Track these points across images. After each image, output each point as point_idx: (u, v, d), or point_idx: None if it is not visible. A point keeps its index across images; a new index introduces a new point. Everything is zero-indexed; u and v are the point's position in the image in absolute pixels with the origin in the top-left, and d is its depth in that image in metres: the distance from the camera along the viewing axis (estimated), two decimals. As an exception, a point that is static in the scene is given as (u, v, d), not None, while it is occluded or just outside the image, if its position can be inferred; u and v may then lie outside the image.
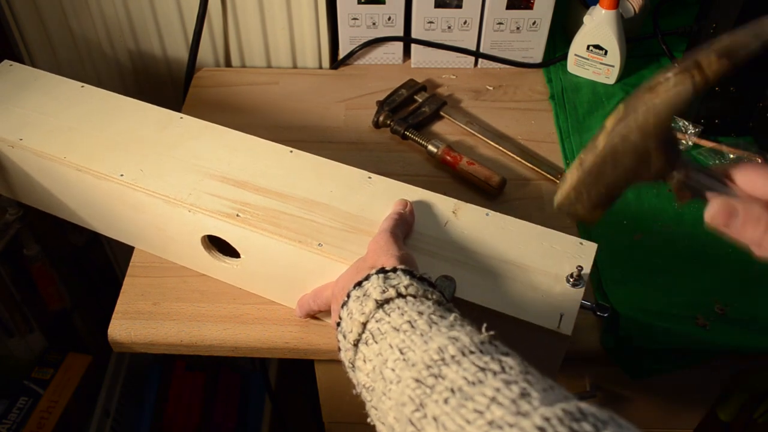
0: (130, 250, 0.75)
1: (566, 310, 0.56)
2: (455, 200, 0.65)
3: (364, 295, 0.47)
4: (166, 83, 1.02)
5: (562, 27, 1.04)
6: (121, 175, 0.66)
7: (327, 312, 0.63)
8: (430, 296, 0.47)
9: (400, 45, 0.98)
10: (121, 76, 1.02)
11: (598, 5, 0.90)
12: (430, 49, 0.97)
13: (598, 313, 0.61)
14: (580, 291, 0.57)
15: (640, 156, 0.43)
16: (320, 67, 1.00)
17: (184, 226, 0.66)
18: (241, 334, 0.67)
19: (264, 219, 0.63)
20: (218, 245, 0.68)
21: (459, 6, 0.92)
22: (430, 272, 0.54)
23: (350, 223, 0.62)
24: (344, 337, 0.47)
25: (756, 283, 0.72)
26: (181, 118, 0.73)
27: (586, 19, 0.92)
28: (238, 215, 0.63)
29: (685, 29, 0.95)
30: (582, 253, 0.60)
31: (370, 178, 0.67)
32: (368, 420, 0.46)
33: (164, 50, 0.99)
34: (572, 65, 0.97)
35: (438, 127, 0.90)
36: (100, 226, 0.76)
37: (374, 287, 0.46)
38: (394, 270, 0.48)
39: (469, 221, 0.63)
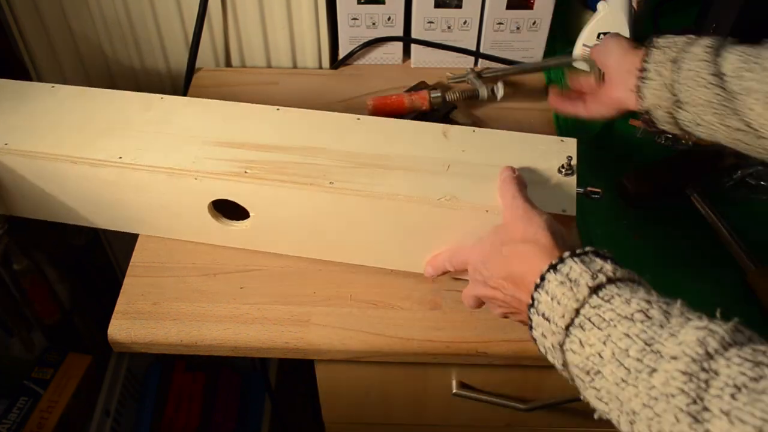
0: (130, 250, 0.75)
1: (565, 196, 0.63)
2: (443, 125, 0.71)
3: (569, 280, 0.48)
4: (166, 83, 1.02)
5: (562, 27, 1.04)
6: (120, 158, 0.67)
7: (461, 272, 0.67)
8: (635, 278, 0.49)
9: (399, 45, 0.98)
10: (122, 75, 1.02)
11: None
12: (430, 49, 0.97)
13: (593, 196, 0.66)
14: (573, 178, 0.64)
15: None
16: (320, 67, 1.00)
17: (190, 196, 0.68)
18: (241, 334, 0.67)
19: (272, 171, 0.65)
20: (222, 214, 0.71)
21: (459, 6, 0.92)
22: (436, 188, 0.63)
23: (354, 160, 0.66)
24: (548, 320, 0.48)
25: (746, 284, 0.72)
26: (162, 98, 0.74)
27: (600, 5, 0.92)
28: (246, 172, 0.65)
29: (685, 29, 0.95)
30: (565, 148, 0.67)
31: (358, 119, 0.71)
32: (581, 397, 0.48)
33: (164, 50, 0.99)
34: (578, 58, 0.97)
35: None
36: (98, 219, 0.76)
37: (580, 274, 0.48)
38: (585, 253, 0.50)
39: (460, 139, 0.69)
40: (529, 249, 0.52)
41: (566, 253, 0.50)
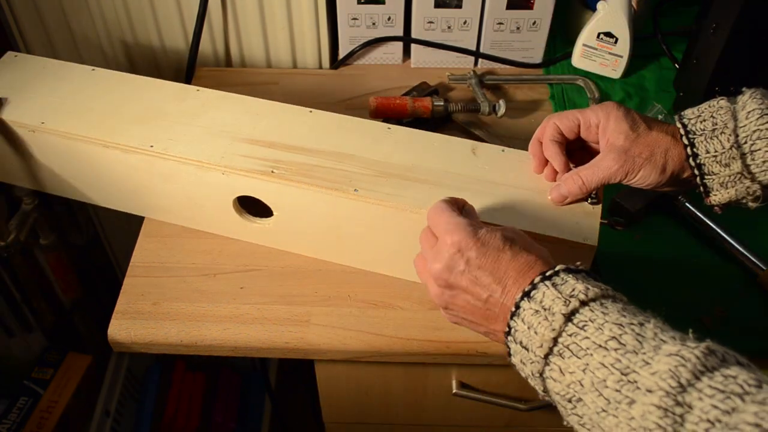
0: (130, 250, 0.75)
1: (588, 225, 0.62)
2: (472, 141, 0.70)
3: (543, 309, 0.47)
4: (166, 83, 1.02)
5: (562, 27, 1.04)
6: (152, 146, 0.68)
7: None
8: (607, 294, 0.48)
9: (399, 45, 0.98)
10: (121, 76, 1.02)
11: None
12: (430, 49, 0.97)
13: (617, 227, 0.67)
14: (598, 208, 0.63)
15: None
16: (320, 67, 1.00)
17: (216, 190, 0.69)
18: (241, 334, 0.67)
19: (298, 172, 0.66)
20: (246, 209, 0.71)
21: (459, 6, 0.92)
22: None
23: (381, 169, 0.66)
24: (526, 348, 0.48)
25: (757, 285, 0.72)
26: (198, 90, 0.75)
27: (600, 5, 0.92)
28: (273, 171, 0.65)
29: (685, 29, 0.95)
30: None
31: (389, 129, 0.71)
32: (564, 423, 0.48)
33: (164, 50, 0.99)
34: (578, 57, 0.97)
35: (446, 130, 0.90)
36: (124, 204, 0.77)
37: (552, 300, 0.47)
38: (556, 273, 0.49)
39: (488, 157, 0.68)
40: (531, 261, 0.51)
41: (537, 278, 0.49)
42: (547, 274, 0.49)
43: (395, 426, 0.89)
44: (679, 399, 0.40)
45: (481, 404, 0.78)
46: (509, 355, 0.51)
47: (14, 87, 0.75)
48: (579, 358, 0.45)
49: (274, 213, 0.70)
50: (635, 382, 0.42)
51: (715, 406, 0.39)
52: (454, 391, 0.77)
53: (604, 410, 0.43)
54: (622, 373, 0.43)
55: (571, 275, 0.49)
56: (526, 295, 0.48)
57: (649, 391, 0.41)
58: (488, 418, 0.84)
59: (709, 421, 0.38)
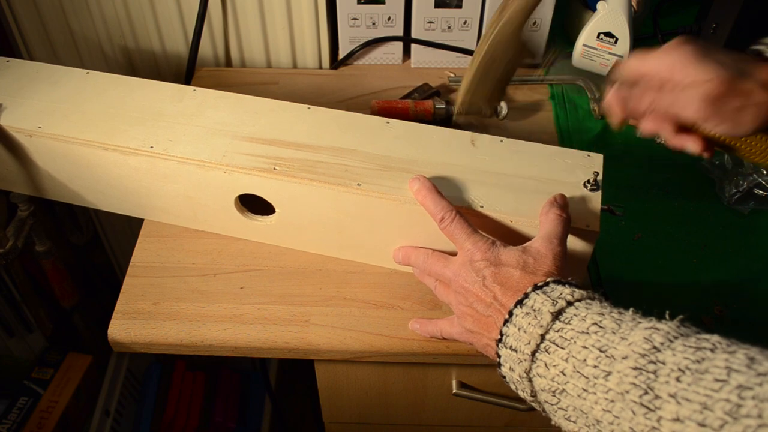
0: (130, 250, 0.75)
1: (589, 211, 0.62)
2: (471, 132, 0.70)
3: (533, 310, 0.50)
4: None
5: (562, 27, 1.04)
6: (151, 147, 0.67)
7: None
8: (592, 296, 0.51)
9: (399, 45, 0.98)
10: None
11: None
12: (430, 49, 0.97)
13: (617, 213, 0.67)
14: (598, 194, 0.64)
15: (516, 47, 0.56)
16: (320, 67, 1.00)
17: (217, 189, 0.69)
18: (241, 334, 0.67)
19: (300, 169, 0.66)
20: (247, 208, 0.72)
21: (459, 6, 0.92)
22: (461, 196, 0.63)
23: (382, 163, 0.67)
24: (515, 350, 0.50)
25: (756, 283, 0.72)
26: (194, 90, 0.75)
27: (600, 5, 0.92)
28: (275, 168, 0.65)
29: (685, 29, 0.95)
30: (592, 163, 0.66)
31: (388, 123, 0.71)
32: (552, 422, 0.49)
33: (164, 50, 0.99)
34: (578, 57, 0.97)
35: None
36: (124, 206, 0.77)
37: (542, 303, 0.50)
38: (546, 284, 0.52)
39: (487, 148, 0.69)
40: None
41: (529, 288, 0.52)
42: (538, 284, 0.52)
43: (395, 426, 0.89)
44: (652, 358, 0.41)
45: (481, 404, 0.78)
46: (499, 366, 0.52)
47: (9, 92, 0.74)
48: (563, 348, 0.47)
49: (276, 210, 0.70)
50: (612, 356, 0.44)
51: (686, 358, 0.40)
52: (454, 391, 0.77)
53: (584, 390, 0.44)
54: (601, 351, 0.44)
55: (560, 285, 0.51)
56: (519, 303, 0.51)
57: (624, 357, 0.43)
58: (488, 418, 0.84)
59: (680, 370, 0.40)
